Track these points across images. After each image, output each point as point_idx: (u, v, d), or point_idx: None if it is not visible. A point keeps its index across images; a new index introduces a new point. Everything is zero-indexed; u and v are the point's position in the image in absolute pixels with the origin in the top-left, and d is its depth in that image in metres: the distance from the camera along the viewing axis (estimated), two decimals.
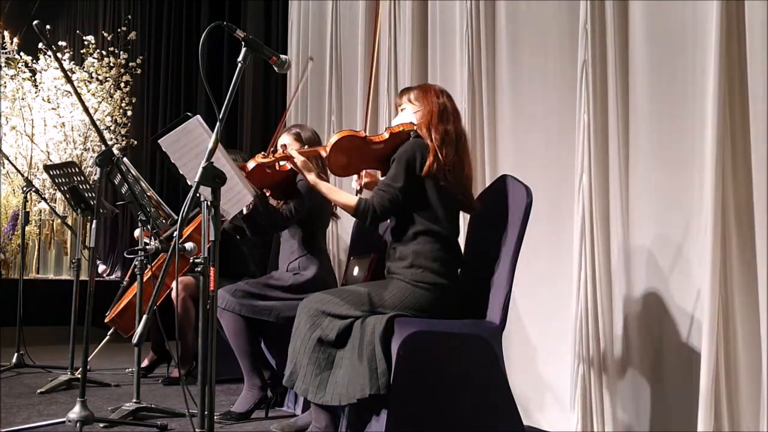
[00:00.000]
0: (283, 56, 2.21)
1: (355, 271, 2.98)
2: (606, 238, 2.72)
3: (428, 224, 2.49)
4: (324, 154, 2.56)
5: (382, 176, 2.68)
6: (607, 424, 2.65)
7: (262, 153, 2.78)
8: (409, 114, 2.59)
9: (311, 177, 2.58)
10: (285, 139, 3.20)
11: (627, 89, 2.71)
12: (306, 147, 3.12)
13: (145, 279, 3.04)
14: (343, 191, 2.61)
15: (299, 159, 2.60)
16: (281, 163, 2.92)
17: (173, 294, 3.64)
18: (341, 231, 4.24)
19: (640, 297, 2.63)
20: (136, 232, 3.82)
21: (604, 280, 2.70)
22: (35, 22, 2.87)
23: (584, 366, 2.69)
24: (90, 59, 7.22)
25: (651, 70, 2.63)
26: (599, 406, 2.65)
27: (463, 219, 2.95)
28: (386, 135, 2.55)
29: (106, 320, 3.83)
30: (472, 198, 2.58)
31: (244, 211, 2.95)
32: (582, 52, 2.77)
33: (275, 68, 2.23)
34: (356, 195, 2.61)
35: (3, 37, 7.49)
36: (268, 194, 3.20)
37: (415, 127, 2.55)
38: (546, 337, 2.99)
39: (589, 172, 2.72)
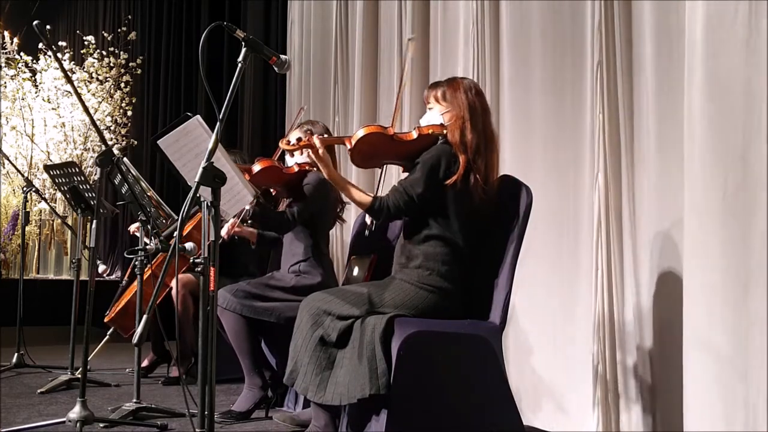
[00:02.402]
0: (283, 56, 2.21)
1: (355, 271, 2.98)
2: (619, 236, 2.72)
3: (442, 230, 2.48)
4: (348, 146, 2.48)
5: (403, 171, 2.64)
6: (623, 425, 2.64)
7: (287, 140, 2.68)
8: (437, 115, 2.53)
9: (328, 171, 2.51)
10: (297, 136, 3.20)
11: (633, 88, 2.72)
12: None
13: (144, 279, 3.04)
14: (358, 188, 2.55)
15: (320, 150, 2.50)
16: (297, 163, 2.86)
17: (173, 292, 3.65)
18: (342, 232, 4.24)
19: (654, 297, 2.63)
20: (132, 227, 3.82)
21: (620, 279, 2.71)
22: (35, 22, 2.86)
23: (601, 366, 2.68)
24: (90, 59, 7.21)
25: (657, 69, 2.65)
26: (616, 407, 2.65)
27: None
28: (414, 135, 2.49)
29: (105, 320, 3.83)
30: (491, 205, 2.52)
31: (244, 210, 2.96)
32: (596, 52, 2.77)
33: (275, 68, 2.23)
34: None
35: (3, 37, 7.47)
36: (274, 193, 3.19)
37: (445, 131, 2.49)
38: (554, 338, 2.98)
39: (604, 171, 2.72)
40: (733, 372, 1.96)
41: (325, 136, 2.66)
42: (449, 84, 2.56)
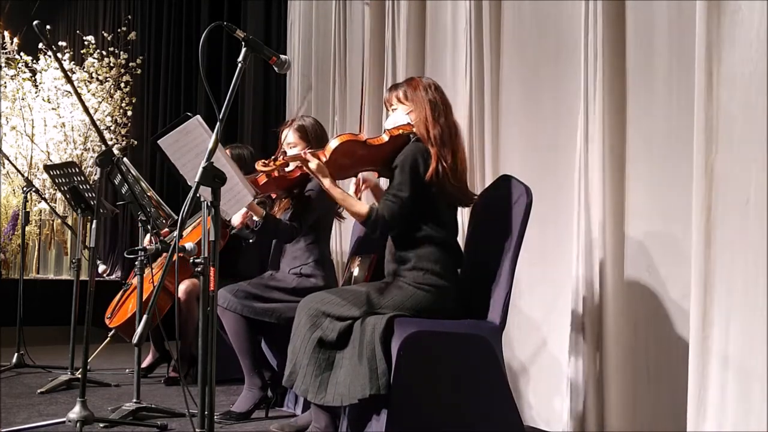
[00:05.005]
0: (283, 56, 2.22)
1: (355, 271, 2.98)
2: (620, 236, 2.71)
3: (431, 229, 2.50)
4: (323, 159, 2.47)
5: (378, 177, 2.68)
6: (618, 425, 2.64)
7: (280, 158, 2.66)
8: (402, 115, 2.58)
9: (326, 182, 2.49)
10: (290, 137, 3.16)
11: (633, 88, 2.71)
12: (310, 140, 3.14)
13: (144, 279, 3.04)
14: (356, 198, 2.56)
15: (314, 163, 2.47)
16: (289, 168, 2.87)
17: (179, 295, 3.64)
18: (342, 231, 4.24)
19: (652, 296, 2.63)
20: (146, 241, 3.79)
21: (619, 278, 2.70)
22: (35, 22, 2.86)
23: (583, 367, 2.68)
24: (90, 59, 7.22)
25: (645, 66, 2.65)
26: (612, 406, 2.65)
27: (461, 217, 2.95)
28: (385, 138, 2.53)
29: (110, 324, 3.81)
30: (468, 192, 2.60)
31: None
32: (590, 50, 2.76)
33: (275, 68, 2.23)
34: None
35: (3, 37, 7.48)
36: (274, 197, 3.17)
37: (413, 129, 2.54)
38: (555, 338, 2.99)
39: (602, 170, 2.72)
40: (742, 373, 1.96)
41: (309, 141, 2.66)
42: (408, 83, 2.62)
